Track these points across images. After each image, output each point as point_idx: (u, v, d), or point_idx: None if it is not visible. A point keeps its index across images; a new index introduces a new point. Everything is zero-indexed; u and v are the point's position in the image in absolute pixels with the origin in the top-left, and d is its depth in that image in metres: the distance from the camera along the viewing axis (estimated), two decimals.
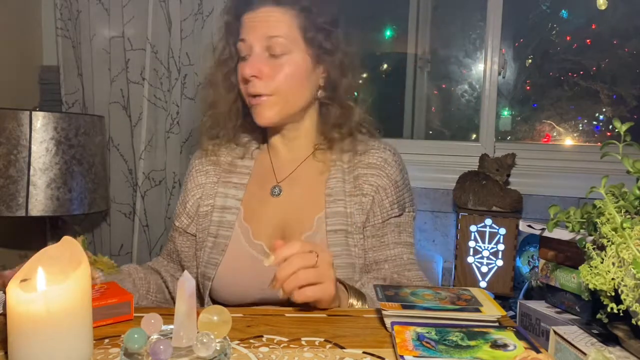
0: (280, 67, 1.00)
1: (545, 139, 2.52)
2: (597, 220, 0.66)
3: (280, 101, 1.02)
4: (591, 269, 0.64)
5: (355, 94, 1.14)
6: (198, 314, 0.63)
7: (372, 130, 1.16)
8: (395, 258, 1.07)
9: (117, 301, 0.77)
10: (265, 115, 1.03)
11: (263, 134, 1.14)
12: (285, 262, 0.80)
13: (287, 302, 0.84)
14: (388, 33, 2.74)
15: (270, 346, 0.69)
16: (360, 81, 1.13)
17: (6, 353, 0.59)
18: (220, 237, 1.07)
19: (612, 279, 0.61)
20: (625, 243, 0.61)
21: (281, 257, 0.81)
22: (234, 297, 1.03)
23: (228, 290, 1.03)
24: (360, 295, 0.93)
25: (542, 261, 0.91)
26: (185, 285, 0.61)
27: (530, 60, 2.60)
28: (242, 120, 1.12)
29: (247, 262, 1.03)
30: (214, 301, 1.06)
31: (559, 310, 0.87)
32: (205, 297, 1.05)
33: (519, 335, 0.67)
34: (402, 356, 0.61)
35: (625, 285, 0.60)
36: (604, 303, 0.63)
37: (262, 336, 0.72)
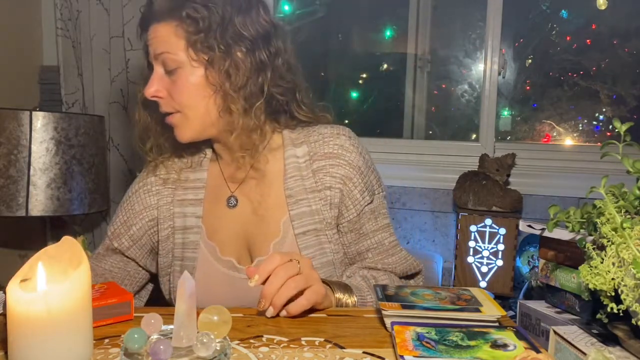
0: (176, 83, 0.96)
1: (545, 139, 2.52)
2: (597, 220, 0.66)
3: (187, 117, 0.97)
4: (591, 269, 0.64)
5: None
6: (198, 314, 0.63)
7: (318, 119, 1.09)
8: (377, 245, 1.06)
9: (117, 301, 0.77)
10: (180, 134, 0.99)
11: (210, 144, 1.07)
12: (271, 276, 0.79)
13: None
14: (388, 33, 2.74)
15: (270, 346, 0.69)
16: (266, 79, 0.98)
17: (6, 353, 0.59)
18: (187, 259, 1.03)
19: (612, 279, 0.61)
20: (625, 243, 0.61)
21: (265, 273, 0.79)
22: None
23: None
24: (346, 288, 0.93)
25: (542, 261, 0.91)
26: (186, 285, 0.61)
27: (530, 60, 2.60)
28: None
29: (219, 280, 1.01)
30: None
31: (559, 310, 0.87)
32: None
33: (519, 335, 0.67)
34: (402, 356, 0.61)
35: (625, 285, 0.60)
36: (604, 303, 0.63)
37: (262, 336, 0.72)
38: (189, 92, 0.96)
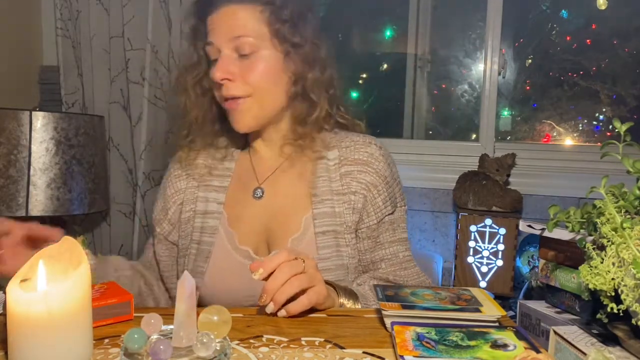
0: (251, 66, 0.97)
1: (545, 139, 2.52)
2: (597, 220, 0.66)
3: (256, 103, 0.99)
4: (591, 269, 0.64)
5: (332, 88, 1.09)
6: (198, 314, 0.63)
7: (356, 127, 1.12)
8: (392, 257, 1.06)
9: (117, 301, 0.77)
10: (243, 121, 1.00)
11: (243, 136, 1.10)
12: (275, 272, 0.79)
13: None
14: (388, 33, 2.74)
15: (270, 346, 0.69)
16: (333, 74, 1.06)
17: (6, 353, 0.59)
18: (204, 243, 1.04)
19: (612, 279, 0.61)
20: (625, 243, 0.61)
21: (269, 268, 0.79)
22: (223, 305, 1.02)
23: (216, 299, 1.00)
24: (351, 294, 0.92)
25: (542, 261, 0.91)
26: (185, 285, 0.61)
27: (530, 60, 2.60)
28: (219, 125, 1.09)
29: (233, 268, 1.01)
30: None
31: (559, 310, 0.87)
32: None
33: (519, 335, 0.67)
34: (402, 356, 0.61)
35: (625, 285, 0.60)
36: (604, 303, 0.63)
37: (262, 336, 0.72)
38: (267, 75, 0.98)
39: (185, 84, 1.05)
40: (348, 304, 0.90)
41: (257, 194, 1.06)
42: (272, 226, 1.04)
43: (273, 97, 1.00)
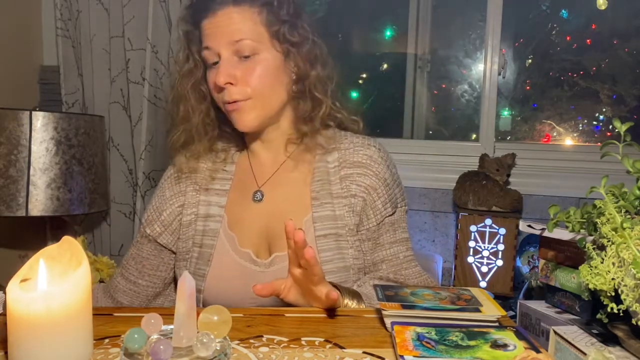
0: (252, 69, 0.97)
1: (545, 139, 2.52)
2: (597, 220, 0.66)
3: (258, 104, 0.99)
4: (591, 269, 0.64)
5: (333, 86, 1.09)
6: (198, 314, 0.63)
7: (353, 124, 1.12)
8: (392, 257, 1.05)
9: None
10: (245, 121, 1.00)
11: (242, 138, 1.11)
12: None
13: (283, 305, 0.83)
14: (388, 33, 2.74)
15: (270, 346, 0.69)
16: (331, 73, 1.06)
17: (6, 353, 0.59)
18: (205, 246, 1.04)
19: (612, 279, 0.61)
20: (625, 243, 0.61)
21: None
22: (226, 307, 1.02)
23: (219, 301, 0.98)
24: (355, 295, 0.92)
25: (542, 261, 0.91)
26: (186, 285, 0.61)
27: (530, 60, 2.60)
28: (218, 129, 1.09)
29: (235, 271, 1.01)
30: None
31: (559, 310, 0.87)
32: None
33: (519, 335, 0.67)
34: (402, 356, 0.61)
35: (625, 285, 0.60)
36: (604, 303, 0.63)
37: (262, 336, 0.72)
38: (267, 77, 0.98)
39: (183, 91, 1.05)
40: (352, 304, 0.90)
41: (257, 197, 1.06)
42: (273, 229, 1.03)
43: (274, 97, 1.01)
